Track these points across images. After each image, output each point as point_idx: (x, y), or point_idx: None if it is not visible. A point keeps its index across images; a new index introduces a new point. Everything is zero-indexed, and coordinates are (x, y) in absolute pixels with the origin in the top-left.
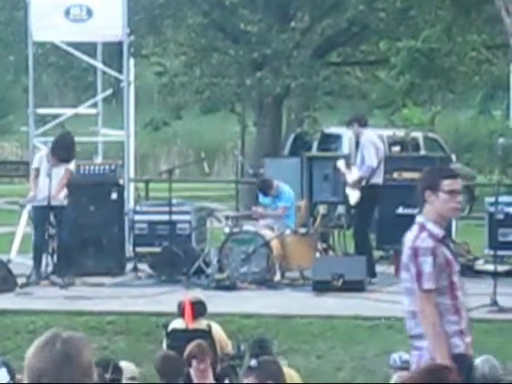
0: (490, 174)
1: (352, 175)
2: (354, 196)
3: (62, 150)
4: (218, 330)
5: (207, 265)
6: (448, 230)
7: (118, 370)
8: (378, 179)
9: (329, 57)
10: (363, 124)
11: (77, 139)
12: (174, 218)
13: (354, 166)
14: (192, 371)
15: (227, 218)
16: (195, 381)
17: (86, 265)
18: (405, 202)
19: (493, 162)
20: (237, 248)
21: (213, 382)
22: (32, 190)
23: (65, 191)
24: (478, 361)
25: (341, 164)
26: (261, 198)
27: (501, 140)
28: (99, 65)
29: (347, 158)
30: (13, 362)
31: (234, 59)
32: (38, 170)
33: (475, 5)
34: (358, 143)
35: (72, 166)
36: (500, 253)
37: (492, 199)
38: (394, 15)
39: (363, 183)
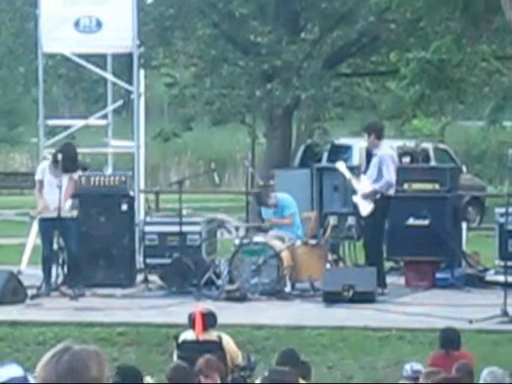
0: (501, 184)
1: (362, 185)
2: (365, 207)
3: (66, 160)
4: (228, 342)
5: (217, 276)
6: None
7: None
8: (391, 191)
9: (339, 68)
10: (381, 136)
11: (87, 150)
12: (185, 229)
13: (364, 176)
14: None
15: (237, 229)
16: None
17: (96, 276)
18: (415, 213)
19: (503, 173)
20: (247, 259)
21: None
22: (40, 201)
23: (69, 202)
24: (484, 372)
25: (340, 165)
26: (263, 212)
27: (511, 151)
28: (109, 76)
29: (357, 168)
30: None
31: (244, 70)
32: (41, 182)
33: (485, 15)
34: (368, 153)
35: (76, 175)
36: (510, 263)
37: (502, 210)
38: (404, 26)
39: (377, 196)
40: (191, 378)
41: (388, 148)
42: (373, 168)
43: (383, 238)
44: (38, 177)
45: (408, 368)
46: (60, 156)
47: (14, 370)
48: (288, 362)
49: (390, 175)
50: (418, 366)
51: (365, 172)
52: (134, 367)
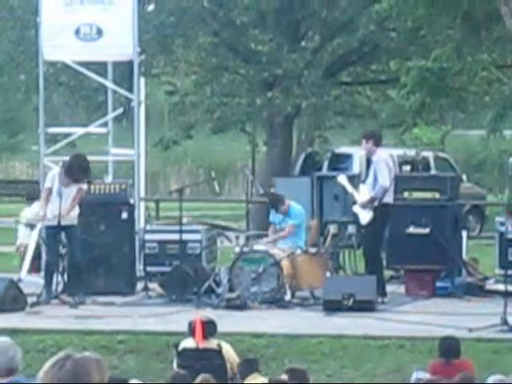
0: (501, 193)
1: (362, 194)
2: (365, 216)
3: (79, 171)
4: (228, 350)
5: (217, 284)
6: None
7: None
8: (389, 198)
9: (339, 76)
10: (378, 143)
11: (87, 158)
12: (185, 237)
13: (363, 185)
14: None
15: (237, 237)
16: None
17: (96, 284)
18: (415, 222)
19: (503, 182)
20: (247, 267)
21: None
22: (42, 209)
23: (77, 210)
24: (490, 379)
25: (341, 179)
26: (271, 216)
27: (511, 160)
28: (110, 84)
29: (357, 177)
30: None
31: (244, 79)
32: (50, 190)
33: (485, 24)
34: (368, 161)
35: (84, 185)
36: (510, 272)
37: (502, 219)
38: (404, 35)
39: (375, 203)
40: None
41: (384, 153)
42: (371, 175)
43: (381, 246)
44: (47, 184)
45: (413, 377)
46: (75, 166)
47: None
48: (250, 369)
49: (384, 179)
50: (421, 375)
51: (364, 181)
52: (118, 376)
